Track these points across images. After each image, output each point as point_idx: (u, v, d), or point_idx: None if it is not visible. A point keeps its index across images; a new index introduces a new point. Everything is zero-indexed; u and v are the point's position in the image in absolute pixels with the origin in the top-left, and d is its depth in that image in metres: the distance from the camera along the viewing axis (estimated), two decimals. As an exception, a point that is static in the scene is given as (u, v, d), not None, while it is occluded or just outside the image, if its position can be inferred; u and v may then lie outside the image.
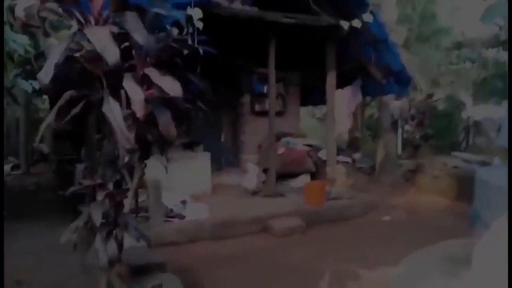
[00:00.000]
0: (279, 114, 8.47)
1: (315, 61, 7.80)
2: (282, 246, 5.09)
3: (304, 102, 11.01)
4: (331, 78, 7.25)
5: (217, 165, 8.36)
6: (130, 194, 2.58)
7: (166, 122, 2.19)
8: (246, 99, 8.36)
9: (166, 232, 4.90)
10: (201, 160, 6.68)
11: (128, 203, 2.57)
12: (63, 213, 4.17)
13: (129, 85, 2.06)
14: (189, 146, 6.88)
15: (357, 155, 11.09)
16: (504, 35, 9.57)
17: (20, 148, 10.31)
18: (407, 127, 10.35)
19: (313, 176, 7.91)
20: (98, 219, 2.29)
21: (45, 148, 11.20)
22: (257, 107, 8.19)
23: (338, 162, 7.79)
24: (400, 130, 9.43)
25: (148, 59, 2.29)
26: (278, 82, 8.20)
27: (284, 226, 5.41)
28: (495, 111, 9.95)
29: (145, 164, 2.73)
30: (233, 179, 7.72)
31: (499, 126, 8.52)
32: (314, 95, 10.51)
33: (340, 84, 7.58)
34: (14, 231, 5.15)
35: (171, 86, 2.12)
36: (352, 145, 11.93)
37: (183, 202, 5.49)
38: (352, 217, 6.31)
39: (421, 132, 10.44)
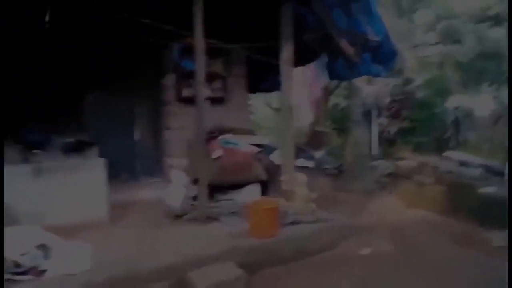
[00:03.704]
0: (218, 102, 6.58)
1: (265, 29, 5.91)
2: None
3: (255, 87, 9.20)
4: (286, 52, 5.48)
5: (130, 174, 6.35)
6: None
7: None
8: (170, 80, 6.32)
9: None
10: (92, 171, 4.61)
11: None
12: None
13: None
14: (76, 148, 4.77)
15: (319, 154, 9.40)
16: (495, 8, 8.20)
17: None
18: (380, 119, 8.78)
19: (265, 186, 6.07)
20: None
21: None
22: (185, 92, 6.18)
23: (296, 167, 6.02)
24: (374, 123, 7.83)
25: None
26: (215, 58, 6.28)
27: (212, 281, 3.50)
28: (488, 100, 8.59)
29: None
30: (152, 194, 5.73)
31: (497, 118, 7.11)
32: (267, 78, 8.68)
33: (300, 61, 5.78)
34: None
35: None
36: (313, 141, 10.23)
37: (42, 247, 3.43)
38: (318, 252, 4.54)
39: (397, 126, 8.91)
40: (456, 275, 4.13)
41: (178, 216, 4.99)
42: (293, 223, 4.77)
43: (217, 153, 5.40)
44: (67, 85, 5.86)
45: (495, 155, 6.97)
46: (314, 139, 10.33)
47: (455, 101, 9.10)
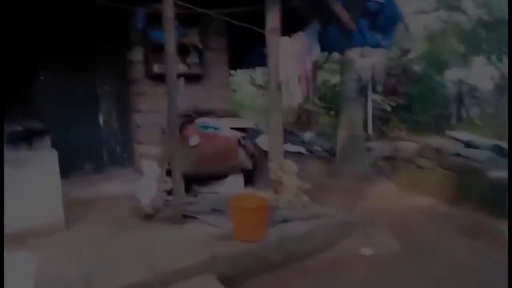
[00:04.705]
0: (195, 79, 5.86)
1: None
2: None
3: (237, 63, 8.50)
4: (272, 20, 4.81)
5: (95, 165, 5.66)
6: None
7: None
8: (138, 54, 5.57)
9: None
10: (42, 165, 3.91)
11: None
12: None
13: None
14: (24, 138, 4.05)
15: (309, 135, 8.80)
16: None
17: None
18: (375, 96, 8.17)
19: (250, 175, 5.47)
20: None
21: None
22: (156, 68, 5.44)
23: (286, 153, 5.42)
24: (369, 100, 7.23)
25: None
26: (190, 27, 5.55)
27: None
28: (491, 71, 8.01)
29: None
30: (120, 188, 5.07)
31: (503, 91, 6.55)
32: (251, 51, 7.93)
33: (287, 30, 5.09)
34: None
35: None
36: (302, 121, 9.60)
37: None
38: (313, 254, 3.98)
39: (393, 103, 8.32)
40: (467, 274, 3.66)
41: (149, 216, 4.36)
42: (283, 221, 4.19)
43: (194, 139, 4.74)
44: (13, 62, 4.97)
45: (502, 134, 6.47)
46: (303, 119, 9.71)
47: (456, 74, 8.52)
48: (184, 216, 4.24)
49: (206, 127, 4.91)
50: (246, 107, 13.80)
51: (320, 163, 7.77)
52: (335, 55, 9.73)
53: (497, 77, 8.09)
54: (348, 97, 7.43)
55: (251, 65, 9.64)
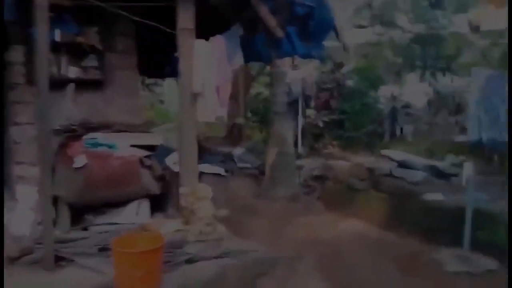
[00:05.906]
0: (95, 86, 4.94)
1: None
2: None
3: (160, 70, 7.72)
4: (185, 18, 4.16)
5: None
6: None
7: None
8: (18, 55, 4.55)
9: None
10: None
11: None
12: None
13: None
14: None
15: (238, 151, 8.11)
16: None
17: None
18: (309, 110, 7.69)
19: (159, 201, 4.63)
20: None
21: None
22: (40, 72, 4.45)
23: (202, 175, 4.69)
24: (300, 115, 6.71)
25: None
26: (88, 25, 4.68)
27: None
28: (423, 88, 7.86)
29: None
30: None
31: (436, 109, 6.33)
32: (173, 58, 7.12)
33: (204, 32, 4.39)
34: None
35: None
36: (232, 136, 8.91)
37: None
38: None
39: (326, 118, 7.88)
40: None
41: (15, 258, 3.37)
42: (188, 261, 3.40)
43: (79, 160, 3.82)
44: None
45: (435, 152, 6.20)
46: (234, 134, 9.04)
47: (390, 90, 8.33)
48: (60, 258, 3.32)
49: (96, 144, 4.01)
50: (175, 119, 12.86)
51: (249, 182, 7.10)
52: (268, 65, 9.23)
53: (431, 94, 8.01)
54: (278, 112, 6.88)
55: (176, 73, 8.86)
